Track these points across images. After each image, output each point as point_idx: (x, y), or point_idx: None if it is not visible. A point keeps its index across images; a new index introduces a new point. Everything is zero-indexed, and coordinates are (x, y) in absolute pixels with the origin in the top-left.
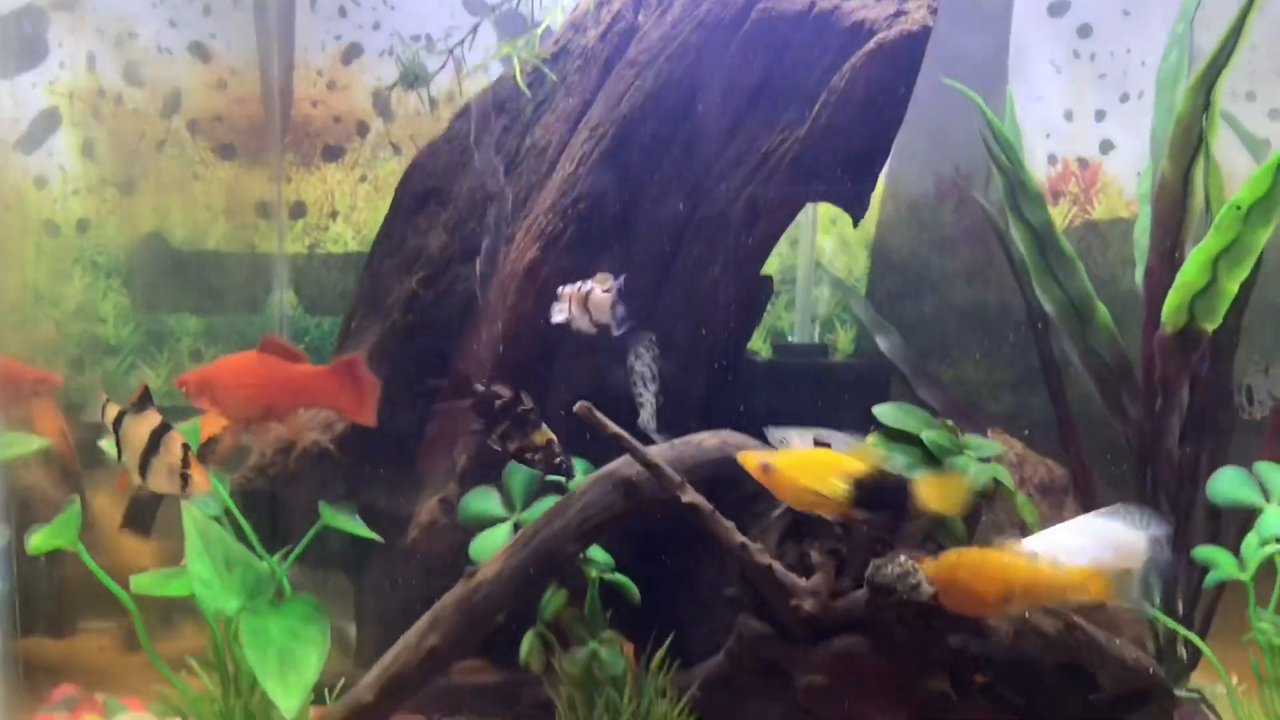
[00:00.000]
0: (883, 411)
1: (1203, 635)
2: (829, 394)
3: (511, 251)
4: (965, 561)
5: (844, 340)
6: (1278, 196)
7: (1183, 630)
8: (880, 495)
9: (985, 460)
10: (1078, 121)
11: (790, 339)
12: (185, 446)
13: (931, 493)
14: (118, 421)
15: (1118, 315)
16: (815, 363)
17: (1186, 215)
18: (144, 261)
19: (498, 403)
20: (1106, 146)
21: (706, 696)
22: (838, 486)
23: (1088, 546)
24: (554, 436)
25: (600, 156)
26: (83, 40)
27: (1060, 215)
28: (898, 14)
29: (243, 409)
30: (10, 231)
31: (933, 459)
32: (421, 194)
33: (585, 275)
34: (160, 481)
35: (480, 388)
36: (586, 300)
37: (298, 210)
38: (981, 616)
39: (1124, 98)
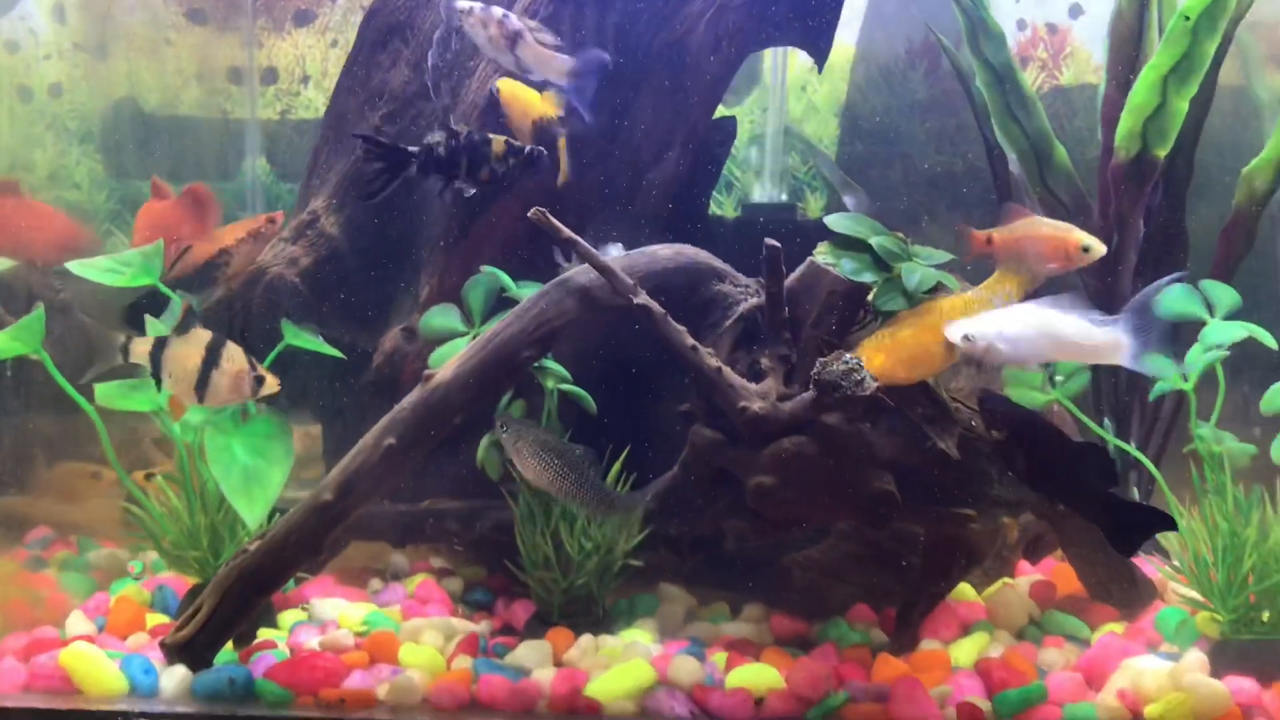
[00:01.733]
0: (834, 220)
1: (1156, 463)
2: (797, 251)
3: (473, 82)
4: (892, 332)
5: (814, 206)
6: (1223, 5)
7: (1126, 445)
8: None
9: (934, 267)
10: None
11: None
12: (247, 352)
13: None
14: (156, 349)
15: (1084, 181)
16: (783, 220)
17: (1143, 42)
18: (117, 127)
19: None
20: (1076, 11)
21: (662, 508)
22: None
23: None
24: (505, 137)
25: None
26: None
27: (1028, 81)
28: None
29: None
30: None
31: (881, 264)
32: (385, 30)
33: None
34: (225, 394)
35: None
36: (516, 40)
37: (269, 76)
38: (933, 374)
39: None
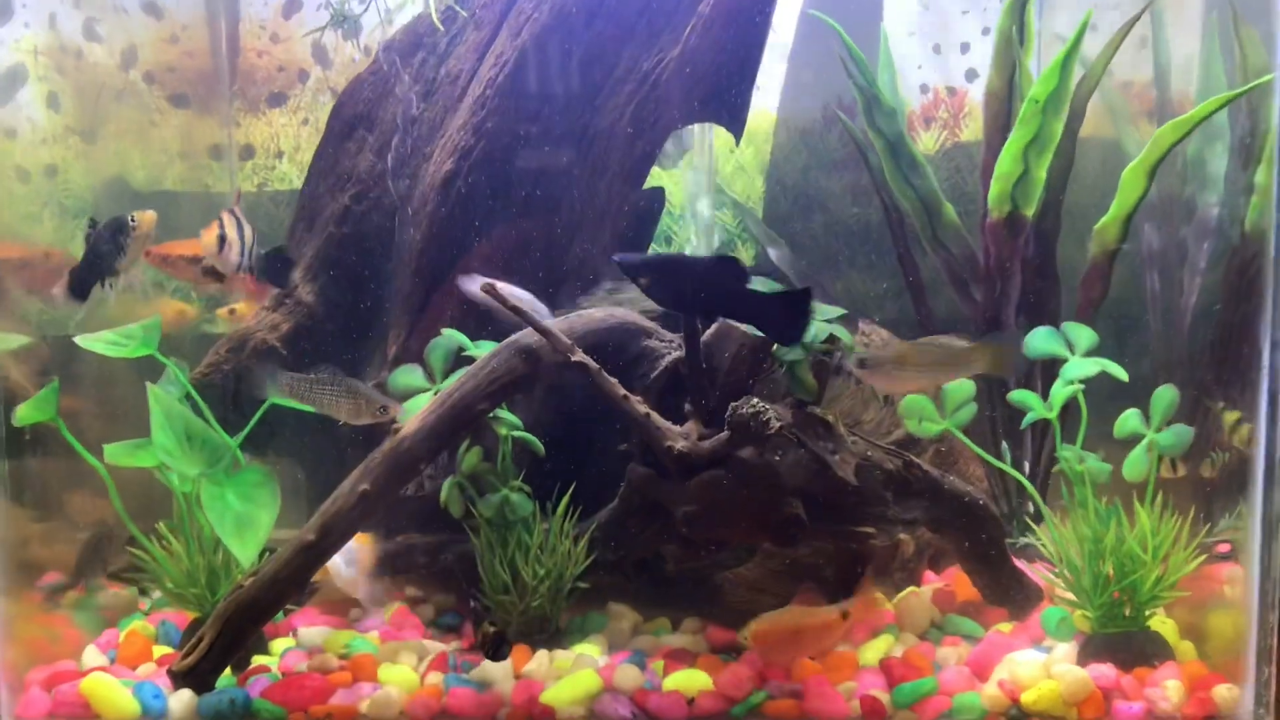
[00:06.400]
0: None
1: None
2: None
3: (430, 166)
4: None
5: (746, 256)
6: (1065, 90)
7: (1003, 465)
8: None
9: (827, 320)
10: (945, 54)
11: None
12: None
13: None
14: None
15: (976, 231)
16: None
17: (1011, 116)
18: (108, 203)
19: None
20: (971, 75)
21: (604, 536)
22: None
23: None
24: None
25: (505, 80)
26: (44, 1)
27: (932, 139)
28: None
29: None
30: None
31: None
32: (350, 121)
33: (496, 188)
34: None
35: None
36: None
37: (246, 152)
38: None
39: (985, 31)
